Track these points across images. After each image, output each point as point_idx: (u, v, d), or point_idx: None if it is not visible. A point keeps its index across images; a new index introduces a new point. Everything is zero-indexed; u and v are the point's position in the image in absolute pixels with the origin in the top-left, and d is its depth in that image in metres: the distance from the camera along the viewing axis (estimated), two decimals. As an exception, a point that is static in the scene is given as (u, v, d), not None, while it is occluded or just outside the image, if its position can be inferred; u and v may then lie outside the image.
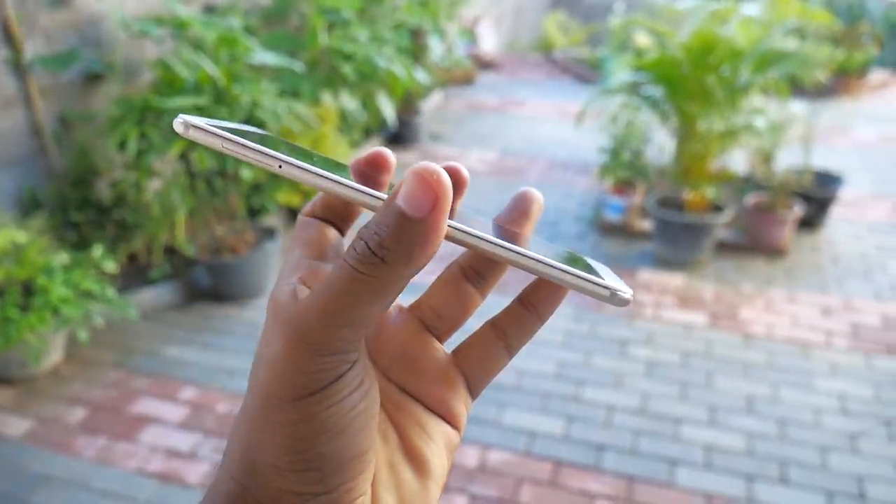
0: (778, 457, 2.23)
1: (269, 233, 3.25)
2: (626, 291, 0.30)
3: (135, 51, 3.21)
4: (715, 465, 2.20)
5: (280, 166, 0.28)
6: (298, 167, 0.28)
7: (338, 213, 0.34)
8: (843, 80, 6.45)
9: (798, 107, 3.78)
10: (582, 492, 2.10)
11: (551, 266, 0.29)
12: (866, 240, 3.75)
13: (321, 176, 0.28)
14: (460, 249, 0.34)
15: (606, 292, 0.30)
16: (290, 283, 0.29)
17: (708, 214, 3.40)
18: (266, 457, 0.28)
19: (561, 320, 3.00)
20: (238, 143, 0.28)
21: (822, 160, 4.08)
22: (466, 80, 7.09)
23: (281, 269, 0.31)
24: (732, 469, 2.19)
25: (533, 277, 0.34)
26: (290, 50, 3.72)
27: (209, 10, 3.58)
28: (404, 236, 0.25)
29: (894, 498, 2.07)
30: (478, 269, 0.36)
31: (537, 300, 0.35)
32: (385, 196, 0.28)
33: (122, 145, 2.77)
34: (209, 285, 3.14)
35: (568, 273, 0.30)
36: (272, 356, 0.27)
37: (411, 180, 0.25)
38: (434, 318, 0.36)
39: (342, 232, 0.35)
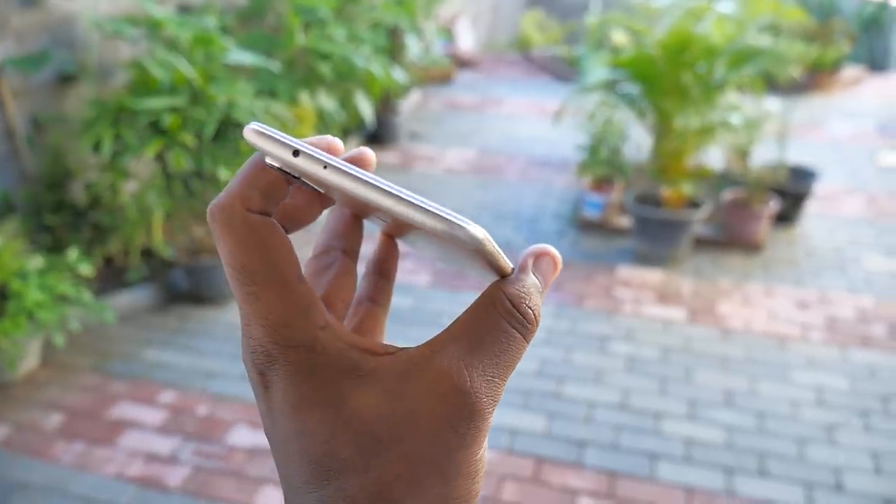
0: (757, 449, 2.26)
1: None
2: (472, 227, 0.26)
3: (108, 51, 3.17)
4: (695, 459, 2.23)
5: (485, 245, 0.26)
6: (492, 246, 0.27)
7: (296, 220, 0.32)
8: (817, 77, 6.54)
9: (772, 103, 3.83)
10: (564, 488, 2.11)
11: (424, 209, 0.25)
12: (840, 234, 3.81)
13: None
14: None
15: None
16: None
17: (685, 210, 3.44)
18: None
19: (541, 318, 3.01)
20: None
21: (796, 156, 4.13)
22: (444, 79, 7.09)
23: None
24: (712, 462, 2.21)
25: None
26: (267, 49, 3.69)
27: (184, 9, 3.54)
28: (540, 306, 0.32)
29: (871, 488, 2.10)
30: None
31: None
32: (511, 265, 0.31)
33: (96, 147, 2.73)
34: (187, 287, 3.10)
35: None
36: (443, 421, 0.28)
37: (547, 262, 0.32)
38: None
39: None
